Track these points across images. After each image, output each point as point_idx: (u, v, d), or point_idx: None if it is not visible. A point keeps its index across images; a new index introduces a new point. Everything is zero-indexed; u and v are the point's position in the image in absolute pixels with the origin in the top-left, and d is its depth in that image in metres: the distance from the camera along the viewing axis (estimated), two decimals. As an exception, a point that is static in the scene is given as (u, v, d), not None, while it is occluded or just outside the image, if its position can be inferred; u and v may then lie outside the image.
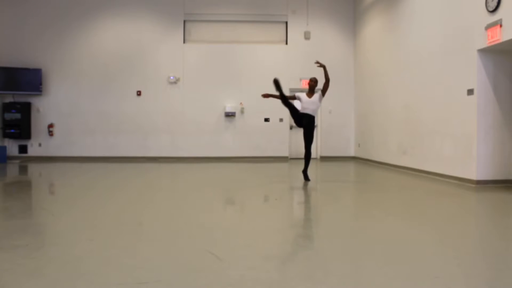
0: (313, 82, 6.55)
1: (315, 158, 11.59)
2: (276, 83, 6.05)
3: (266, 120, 11.31)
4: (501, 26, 5.44)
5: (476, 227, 3.85)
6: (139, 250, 2.84)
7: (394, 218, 4.00)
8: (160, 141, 11.13)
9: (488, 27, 5.68)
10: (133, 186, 6.36)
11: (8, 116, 10.49)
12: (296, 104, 6.54)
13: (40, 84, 10.62)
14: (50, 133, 10.89)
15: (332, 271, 2.46)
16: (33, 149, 10.91)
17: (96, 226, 3.58)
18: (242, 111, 11.17)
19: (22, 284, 2.20)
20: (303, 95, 6.55)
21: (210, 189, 5.79)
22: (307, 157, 6.52)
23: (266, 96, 6.67)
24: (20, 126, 10.56)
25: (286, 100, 6.25)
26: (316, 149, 11.69)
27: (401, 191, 5.92)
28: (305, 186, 6.13)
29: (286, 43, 11.45)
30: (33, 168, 9.02)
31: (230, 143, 11.26)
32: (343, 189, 6.31)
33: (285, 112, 11.35)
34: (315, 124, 6.60)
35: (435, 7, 7.16)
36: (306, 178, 6.58)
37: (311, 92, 6.57)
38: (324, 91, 6.50)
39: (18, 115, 10.53)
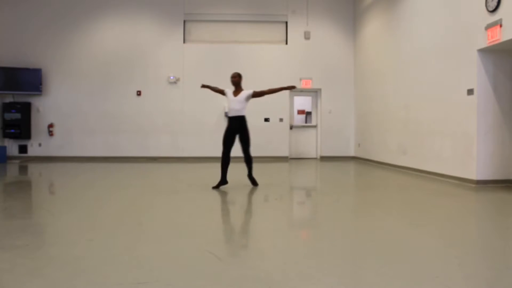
0: (235, 78, 5.73)
1: (316, 158, 11.60)
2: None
3: (266, 120, 11.30)
4: (501, 26, 5.44)
5: (476, 227, 3.85)
6: (139, 250, 2.84)
7: (394, 218, 4.00)
8: (160, 141, 11.12)
9: (488, 27, 5.68)
10: (133, 186, 6.36)
11: (8, 116, 10.49)
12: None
13: (40, 84, 10.62)
14: (50, 133, 10.89)
15: (332, 271, 2.46)
16: (33, 149, 10.91)
17: (96, 226, 3.58)
18: (242, 111, 11.16)
19: (22, 284, 2.20)
20: (229, 93, 5.76)
21: (210, 189, 5.78)
22: (247, 160, 5.77)
23: (204, 86, 6.07)
24: (20, 126, 10.56)
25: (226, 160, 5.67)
26: (316, 149, 11.69)
27: (401, 191, 5.92)
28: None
29: (286, 43, 11.45)
30: (33, 168, 9.02)
31: (230, 143, 11.25)
32: (343, 189, 6.31)
33: (285, 112, 11.37)
34: (247, 125, 5.70)
35: (435, 7, 7.16)
36: (254, 183, 5.88)
37: (237, 89, 5.76)
38: (258, 95, 5.72)
39: (18, 115, 10.53)
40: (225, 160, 5.65)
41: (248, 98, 5.66)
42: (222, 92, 5.87)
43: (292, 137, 11.56)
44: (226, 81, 11.22)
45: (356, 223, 3.94)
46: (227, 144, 5.67)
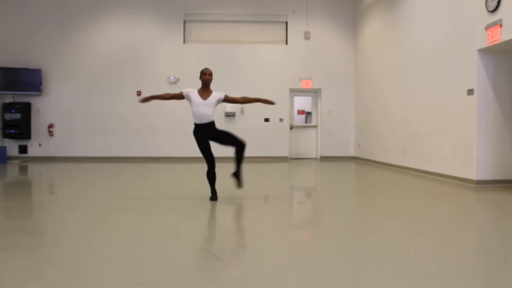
0: (211, 76, 4.83)
1: (316, 158, 11.60)
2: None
3: (266, 120, 11.31)
4: (501, 26, 5.44)
5: (476, 227, 3.85)
6: (139, 250, 2.84)
7: (394, 218, 4.00)
8: (160, 141, 11.13)
9: (488, 27, 5.68)
10: (133, 186, 6.36)
11: (8, 116, 10.49)
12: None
13: (40, 84, 10.62)
14: (50, 133, 10.89)
15: (332, 271, 2.45)
16: (33, 149, 10.91)
17: (96, 226, 3.58)
18: (242, 111, 11.17)
19: (22, 284, 2.20)
20: (194, 94, 4.75)
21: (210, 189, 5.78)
22: (240, 156, 4.81)
23: (146, 100, 4.85)
24: (20, 126, 10.56)
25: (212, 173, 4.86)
26: (316, 149, 11.69)
27: (401, 191, 5.92)
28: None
29: (286, 43, 11.45)
30: (33, 168, 9.02)
31: (230, 143, 11.25)
32: (343, 189, 6.31)
33: (285, 112, 11.37)
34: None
35: (435, 7, 7.16)
36: (239, 183, 4.96)
37: (206, 89, 4.83)
38: (230, 101, 4.94)
39: (18, 115, 10.53)
40: (214, 175, 4.89)
41: (219, 102, 4.85)
42: (178, 96, 4.82)
43: (292, 137, 11.56)
44: (226, 81, 11.31)
45: (356, 223, 3.94)
46: (210, 152, 4.84)
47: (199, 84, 4.90)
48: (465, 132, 6.23)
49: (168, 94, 4.96)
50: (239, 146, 4.78)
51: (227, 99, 4.89)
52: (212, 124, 4.84)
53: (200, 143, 4.83)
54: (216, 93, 4.85)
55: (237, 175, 4.94)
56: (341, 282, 2.26)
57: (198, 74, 4.93)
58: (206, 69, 4.88)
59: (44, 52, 10.86)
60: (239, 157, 4.83)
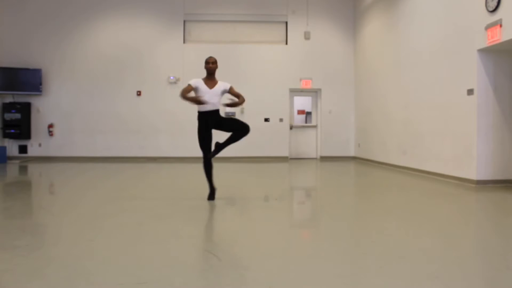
0: (214, 65, 4.83)
1: (315, 158, 11.59)
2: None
3: (266, 120, 11.30)
4: (501, 26, 5.44)
5: (476, 227, 3.85)
6: (139, 250, 2.84)
7: (394, 218, 4.00)
8: (160, 141, 11.12)
9: (488, 27, 5.68)
10: (133, 186, 6.36)
11: (8, 116, 10.49)
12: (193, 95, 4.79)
13: (40, 84, 10.62)
14: (50, 133, 10.89)
15: (332, 271, 2.45)
16: (33, 149, 10.91)
17: (96, 226, 3.58)
18: (242, 111, 11.16)
19: (22, 284, 2.20)
20: (200, 84, 4.74)
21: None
22: (238, 137, 4.75)
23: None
24: (20, 126, 10.56)
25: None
26: (316, 149, 11.69)
27: (401, 191, 5.92)
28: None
29: (286, 43, 11.45)
30: (33, 168, 9.02)
31: (230, 143, 11.25)
32: (342, 189, 6.31)
33: (285, 112, 11.37)
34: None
35: (435, 7, 7.16)
36: (213, 153, 4.80)
37: (211, 78, 4.84)
38: (234, 94, 4.95)
39: (18, 115, 10.53)
40: (210, 164, 4.88)
41: (225, 92, 4.86)
42: (190, 90, 4.72)
43: (292, 137, 11.56)
44: (226, 81, 11.26)
45: (356, 223, 3.94)
46: (208, 144, 4.82)
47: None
48: (465, 132, 6.24)
49: (185, 92, 4.66)
50: (244, 130, 4.72)
51: (232, 92, 4.92)
52: (216, 112, 4.81)
53: (200, 132, 4.81)
54: (222, 83, 4.88)
55: (221, 146, 4.81)
56: (341, 282, 2.26)
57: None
58: (209, 57, 4.88)
59: (44, 52, 10.86)
60: (236, 138, 4.75)
